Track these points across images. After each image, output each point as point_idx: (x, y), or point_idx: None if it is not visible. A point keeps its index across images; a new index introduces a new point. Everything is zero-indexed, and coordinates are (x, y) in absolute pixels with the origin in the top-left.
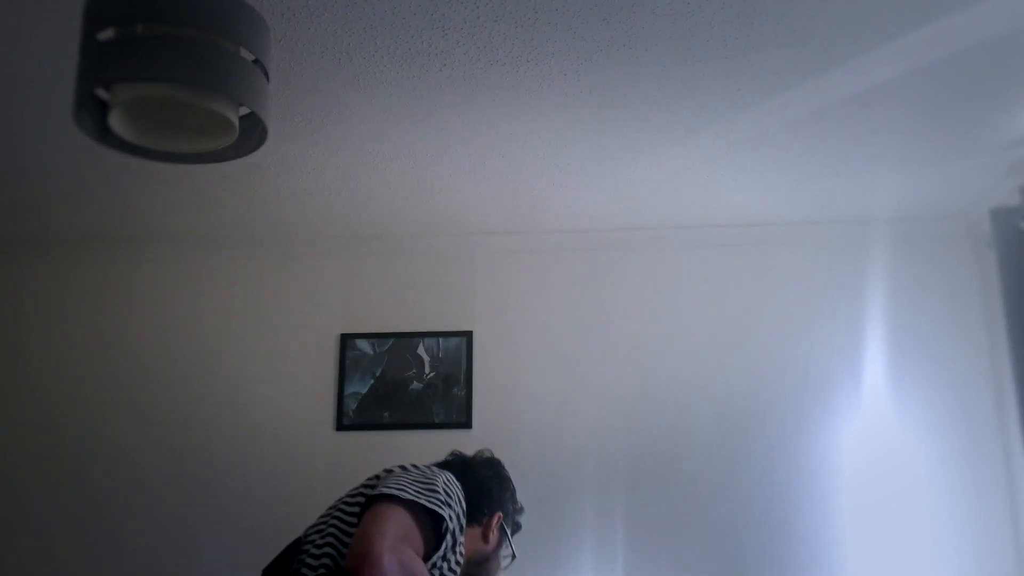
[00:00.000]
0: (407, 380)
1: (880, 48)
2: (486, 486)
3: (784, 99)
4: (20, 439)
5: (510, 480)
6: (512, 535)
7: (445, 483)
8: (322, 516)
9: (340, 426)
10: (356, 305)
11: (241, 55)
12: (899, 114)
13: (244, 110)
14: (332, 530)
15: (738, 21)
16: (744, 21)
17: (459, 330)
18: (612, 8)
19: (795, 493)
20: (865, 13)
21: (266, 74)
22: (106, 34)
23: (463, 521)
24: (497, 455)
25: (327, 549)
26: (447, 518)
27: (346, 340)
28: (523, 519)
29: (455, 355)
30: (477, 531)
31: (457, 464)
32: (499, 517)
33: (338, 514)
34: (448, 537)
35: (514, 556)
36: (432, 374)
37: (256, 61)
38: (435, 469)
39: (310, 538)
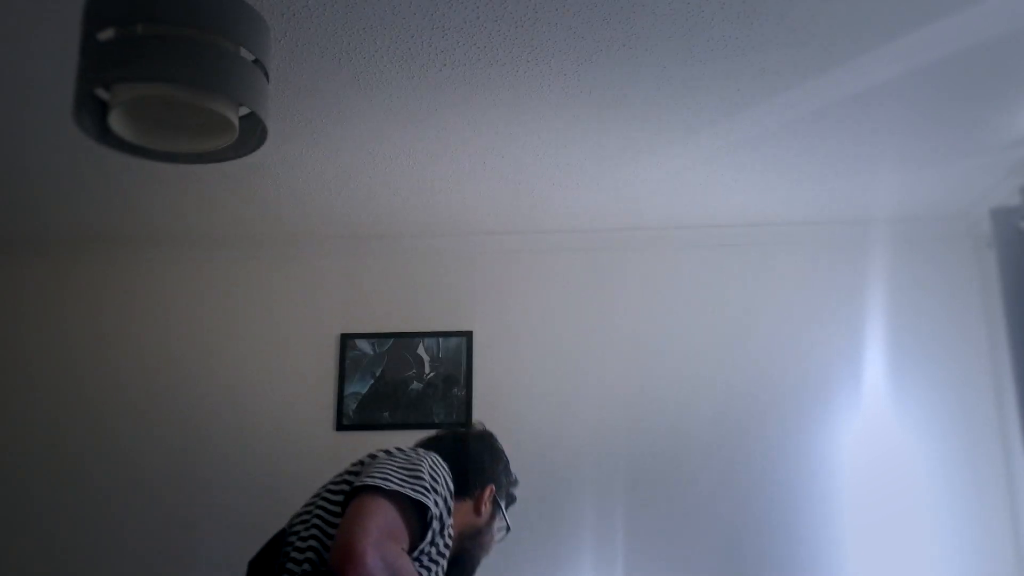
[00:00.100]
0: (407, 380)
1: (880, 48)
2: (478, 459)
3: (784, 99)
4: (20, 439)
5: (503, 452)
6: (507, 508)
7: (431, 466)
8: (306, 504)
9: (340, 426)
10: (356, 305)
11: (241, 55)
12: (899, 114)
13: (244, 110)
14: (317, 521)
15: (738, 21)
16: (744, 21)
17: (459, 330)
18: (612, 8)
19: (795, 493)
20: (865, 13)
21: (266, 74)
22: (106, 34)
23: (451, 504)
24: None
25: (312, 542)
26: (432, 505)
27: (346, 340)
28: (524, 519)
29: (455, 355)
30: (469, 504)
31: (448, 438)
32: (491, 490)
33: (322, 503)
34: (435, 523)
35: (508, 528)
36: (432, 374)
37: (256, 61)
38: (421, 451)
39: (295, 529)
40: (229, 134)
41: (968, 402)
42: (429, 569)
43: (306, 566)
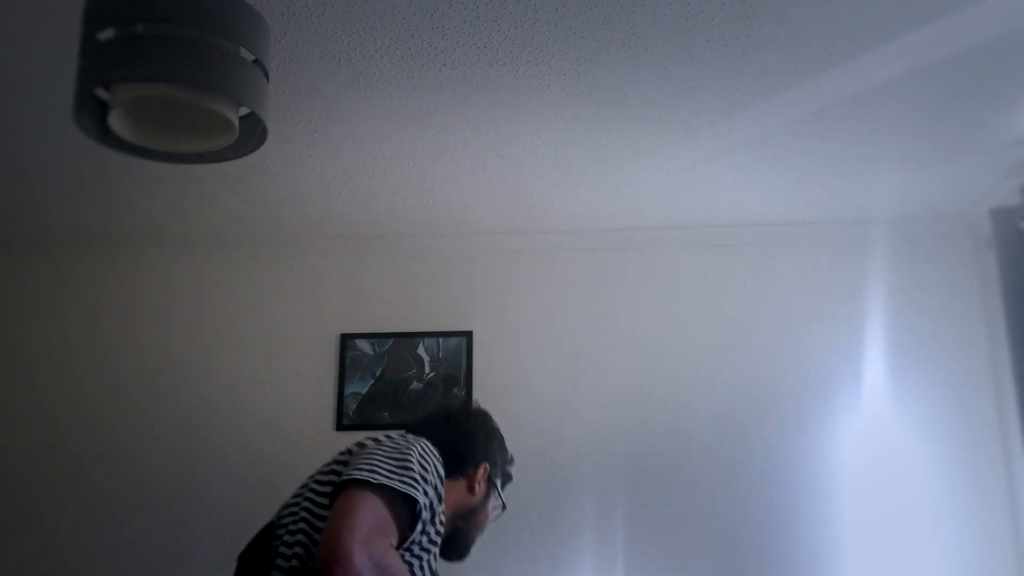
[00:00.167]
0: (407, 380)
1: (880, 48)
2: (471, 438)
3: (784, 99)
4: (20, 439)
5: (498, 431)
6: (503, 487)
7: (420, 454)
8: (294, 496)
9: (340, 426)
10: (356, 305)
11: (241, 55)
12: (899, 114)
13: (244, 110)
14: (305, 514)
15: (738, 21)
16: (744, 21)
17: (459, 330)
18: (612, 8)
19: (795, 493)
20: (865, 13)
21: (266, 74)
22: (106, 34)
23: (441, 490)
24: None
25: (300, 536)
26: (421, 496)
27: (346, 340)
28: (524, 519)
29: (455, 355)
30: (462, 483)
31: (441, 416)
32: (485, 468)
33: (310, 495)
34: (424, 514)
35: (504, 507)
36: (432, 374)
37: (256, 61)
38: (410, 438)
39: (283, 522)
40: (229, 134)
41: (968, 402)
42: (420, 558)
43: (295, 562)
